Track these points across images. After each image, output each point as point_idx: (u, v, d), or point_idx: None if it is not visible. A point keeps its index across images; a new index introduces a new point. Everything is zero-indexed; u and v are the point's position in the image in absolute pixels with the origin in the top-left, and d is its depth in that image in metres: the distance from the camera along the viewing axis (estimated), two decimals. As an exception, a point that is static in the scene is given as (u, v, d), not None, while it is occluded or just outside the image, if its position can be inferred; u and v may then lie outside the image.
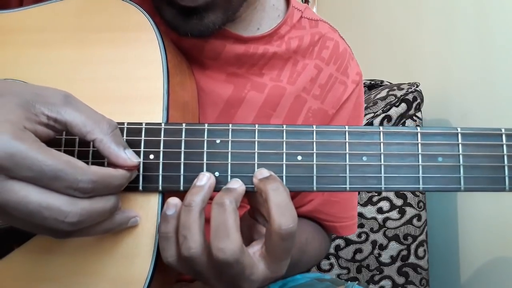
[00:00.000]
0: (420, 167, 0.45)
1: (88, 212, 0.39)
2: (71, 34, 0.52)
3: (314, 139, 0.46)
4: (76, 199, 0.39)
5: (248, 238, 0.47)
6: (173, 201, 0.44)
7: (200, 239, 0.43)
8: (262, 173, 0.45)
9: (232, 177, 0.46)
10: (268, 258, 0.44)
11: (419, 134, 0.46)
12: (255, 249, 0.45)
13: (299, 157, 0.46)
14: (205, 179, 0.45)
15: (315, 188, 0.46)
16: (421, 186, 0.45)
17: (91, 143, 0.42)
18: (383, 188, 0.45)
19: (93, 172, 0.40)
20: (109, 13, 0.52)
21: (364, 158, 0.46)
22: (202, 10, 0.54)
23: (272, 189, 0.43)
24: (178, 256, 0.45)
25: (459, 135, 0.46)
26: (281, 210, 0.42)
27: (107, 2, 0.53)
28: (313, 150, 0.46)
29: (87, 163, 0.40)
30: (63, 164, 0.38)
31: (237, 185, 0.45)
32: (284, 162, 0.46)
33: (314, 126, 0.46)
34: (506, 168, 0.45)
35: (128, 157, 0.43)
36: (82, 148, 0.46)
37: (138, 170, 0.46)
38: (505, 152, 0.45)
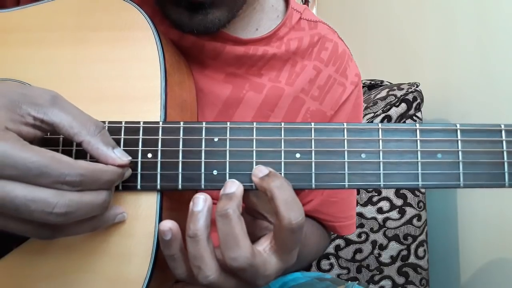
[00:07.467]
0: (419, 163, 0.45)
1: (77, 204, 0.39)
2: (67, 33, 0.52)
3: (313, 137, 0.46)
4: (64, 191, 0.39)
5: (249, 233, 0.47)
6: (165, 226, 0.43)
7: (214, 264, 0.42)
8: (261, 170, 0.44)
9: (230, 175, 0.46)
10: (280, 251, 0.44)
11: (418, 131, 0.45)
12: (265, 246, 0.45)
13: (298, 155, 0.46)
14: (201, 203, 0.43)
15: (313, 186, 0.45)
16: (420, 183, 0.45)
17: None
18: (382, 185, 0.45)
19: (80, 166, 0.39)
20: (106, 11, 0.52)
21: (363, 155, 0.45)
22: (207, 6, 0.54)
23: (277, 186, 0.43)
24: (189, 271, 0.44)
25: (458, 131, 0.45)
26: (288, 206, 0.42)
27: (104, 1, 0.52)
28: (311, 147, 0.46)
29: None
30: (48, 160, 0.38)
31: (234, 188, 0.43)
32: (283, 160, 0.46)
33: (313, 124, 0.46)
34: (505, 164, 0.45)
35: (118, 156, 0.43)
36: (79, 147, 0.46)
37: (136, 169, 0.46)
38: (504, 148, 0.45)
